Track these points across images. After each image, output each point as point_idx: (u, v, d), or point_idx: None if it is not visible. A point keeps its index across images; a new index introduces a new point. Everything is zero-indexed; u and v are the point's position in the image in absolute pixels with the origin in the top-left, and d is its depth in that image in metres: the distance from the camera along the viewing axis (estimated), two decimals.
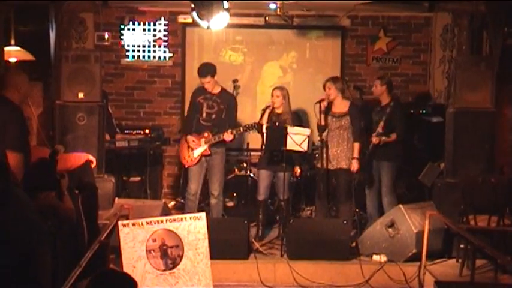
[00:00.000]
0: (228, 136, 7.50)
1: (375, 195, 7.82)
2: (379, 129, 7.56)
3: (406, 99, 9.44)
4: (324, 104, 7.45)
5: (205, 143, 7.58)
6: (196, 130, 7.66)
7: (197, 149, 7.60)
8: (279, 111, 7.72)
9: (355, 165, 7.47)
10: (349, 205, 7.66)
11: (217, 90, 7.65)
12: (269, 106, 7.73)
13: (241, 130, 7.62)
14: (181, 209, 8.17)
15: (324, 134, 7.49)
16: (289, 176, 7.72)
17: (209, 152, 7.60)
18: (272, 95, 7.73)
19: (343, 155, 7.53)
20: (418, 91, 9.64)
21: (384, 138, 7.57)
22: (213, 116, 7.63)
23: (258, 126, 7.63)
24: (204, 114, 7.63)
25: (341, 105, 7.61)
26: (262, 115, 7.72)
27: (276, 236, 7.62)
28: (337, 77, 7.77)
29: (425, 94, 9.62)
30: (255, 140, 8.19)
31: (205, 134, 7.59)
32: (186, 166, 7.76)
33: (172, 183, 9.55)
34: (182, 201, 8.37)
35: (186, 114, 8.06)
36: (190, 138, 7.62)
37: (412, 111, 8.96)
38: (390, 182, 7.67)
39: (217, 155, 7.67)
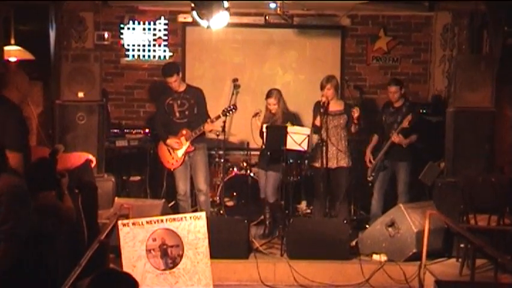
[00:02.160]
0: (208, 126, 7.56)
1: (382, 195, 7.78)
2: (405, 125, 7.48)
3: None
4: (327, 105, 7.46)
5: (186, 140, 7.61)
6: (173, 131, 7.69)
7: (180, 148, 7.61)
8: (273, 111, 7.77)
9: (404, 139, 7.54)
10: (347, 204, 7.67)
11: (183, 87, 7.71)
12: (257, 113, 7.75)
13: (221, 116, 7.63)
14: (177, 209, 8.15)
15: (323, 133, 7.49)
16: (277, 177, 7.71)
17: (193, 148, 7.63)
18: (269, 103, 7.76)
19: (343, 153, 7.55)
20: (418, 90, 9.64)
21: (407, 140, 7.55)
22: (186, 112, 7.67)
23: (235, 108, 7.67)
24: (178, 114, 7.68)
25: (336, 104, 7.63)
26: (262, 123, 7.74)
27: (276, 236, 7.63)
28: (333, 75, 7.76)
29: (426, 94, 9.62)
30: (255, 140, 8.17)
31: (184, 132, 7.62)
32: (172, 169, 7.76)
33: (172, 183, 9.52)
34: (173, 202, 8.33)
35: (155, 120, 8.05)
36: (171, 141, 7.63)
37: None
38: (408, 182, 7.66)
39: (199, 151, 7.72)
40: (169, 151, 7.69)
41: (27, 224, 4.31)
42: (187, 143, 7.63)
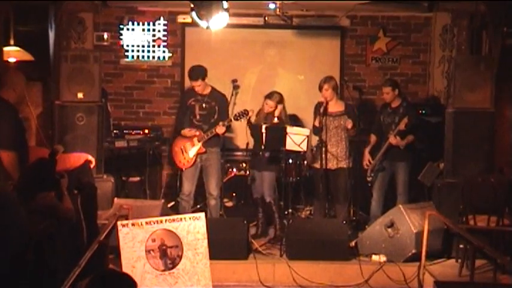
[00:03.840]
0: (220, 129, 7.54)
1: (382, 196, 7.78)
2: (401, 128, 7.49)
3: None
4: (326, 106, 7.47)
5: (199, 141, 7.61)
6: None
7: (191, 149, 7.61)
8: (268, 112, 7.77)
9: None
10: (347, 205, 7.68)
11: (207, 91, 7.70)
12: (261, 110, 7.77)
13: (232, 120, 7.62)
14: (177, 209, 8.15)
15: (323, 134, 7.49)
16: (273, 177, 7.71)
17: (204, 150, 7.62)
18: (267, 103, 7.75)
19: (343, 154, 7.56)
20: (418, 91, 9.64)
21: (405, 141, 7.54)
22: (207, 116, 7.67)
23: (247, 113, 7.64)
24: (198, 116, 7.69)
25: (336, 105, 7.63)
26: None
27: (273, 237, 7.62)
28: (331, 76, 7.76)
29: (425, 94, 9.63)
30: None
31: (197, 133, 7.61)
32: (184, 169, 7.75)
33: (171, 183, 9.53)
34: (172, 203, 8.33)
35: (177, 116, 8.08)
36: (185, 131, 7.64)
37: None
38: (407, 182, 7.66)
39: (213, 155, 7.71)
40: (181, 151, 7.69)
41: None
42: (199, 144, 7.62)
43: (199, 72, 7.68)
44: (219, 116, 7.66)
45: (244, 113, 7.66)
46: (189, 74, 7.75)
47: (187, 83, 9.21)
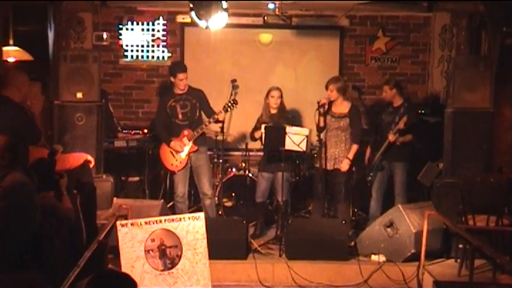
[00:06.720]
0: (222, 116, 7.53)
1: (381, 196, 7.78)
2: (400, 127, 7.49)
3: None
4: (325, 106, 7.46)
5: (189, 140, 7.60)
6: (174, 133, 7.67)
7: (183, 149, 7.60)
8: (273, 111, 7.75)
9: (345, 165, 7.46)
10: (346, 205, 7.67)
11: (185, 88, 7.67)
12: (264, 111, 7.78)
13: (222, 111, 7.58)
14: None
15: (322, 134, 7.49)
16: (289, 177, 7.72)
17: (196, 148, 7.62)
18: (271, 95, 7.75)
19: (342, 155, 7.54)
20: (417, 91, 9.64)
21: (401, 138, 7.54)
22: (189, 114, 7.66)
23: (236, 102, 7.64)
24: (180, 116, 7.66)
25: (342, 106, 7.60)
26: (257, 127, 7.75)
27: (274, 237, 7.61)
28: (338, 77, 7.75)
29: (424, 94, 9.63)
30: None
31: (185, 132, 7.61)
32: (176, 171, 7.72)
33: (170, 183, 9.52)
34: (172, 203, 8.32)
35: (156, 122, 8.00)
36: (174, 144, 7.60)
37: None
38: (405, 183, 7.66)
39: (202, 155, 7.71)
40: (172, 153, 7.67)
41: (29, 222, 4.32)
42: (190, 143, 7.61)
43: (184, 65, 7.71)
44: (201, 112, 7.66)
45: (234, 103, 7.64)
46: (176, 68, 7.69)
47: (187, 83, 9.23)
